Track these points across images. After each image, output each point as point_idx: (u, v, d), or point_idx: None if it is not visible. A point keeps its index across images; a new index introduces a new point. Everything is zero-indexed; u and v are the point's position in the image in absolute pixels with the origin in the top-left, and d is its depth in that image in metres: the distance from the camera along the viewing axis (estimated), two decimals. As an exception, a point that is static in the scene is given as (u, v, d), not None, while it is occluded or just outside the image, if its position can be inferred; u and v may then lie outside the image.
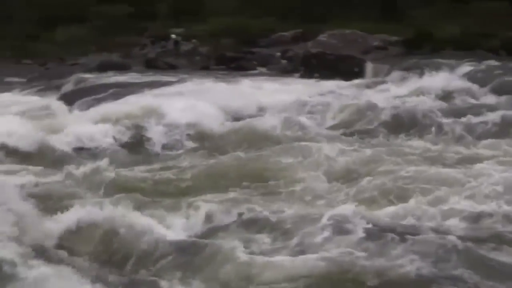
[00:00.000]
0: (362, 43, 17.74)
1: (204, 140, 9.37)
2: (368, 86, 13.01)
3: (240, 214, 5.91)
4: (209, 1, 26.40)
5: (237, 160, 7.96)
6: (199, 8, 25.57)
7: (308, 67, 16.61)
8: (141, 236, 5.37)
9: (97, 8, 25.09)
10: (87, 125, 9.66)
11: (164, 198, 6.71)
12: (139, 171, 7.69)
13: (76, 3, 24.83)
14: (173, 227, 5.78)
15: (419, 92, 11.66)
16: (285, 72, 17.36)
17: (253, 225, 5.68)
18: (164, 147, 9.23)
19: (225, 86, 12.53)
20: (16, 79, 16.64)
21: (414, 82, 12.56)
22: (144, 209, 6.10)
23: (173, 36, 21.72)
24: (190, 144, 9.29)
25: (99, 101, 11.35)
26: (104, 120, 9.88)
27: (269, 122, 9.71)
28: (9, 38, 23.45)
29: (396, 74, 13.86)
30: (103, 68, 16.94)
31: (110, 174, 7.32)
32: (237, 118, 10.28)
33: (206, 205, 6.17)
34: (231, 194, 6.79)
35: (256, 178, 7.27)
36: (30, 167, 7.89)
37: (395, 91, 12.07)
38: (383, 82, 13.45)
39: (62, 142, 8.96)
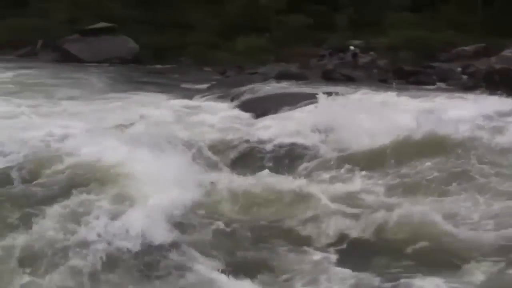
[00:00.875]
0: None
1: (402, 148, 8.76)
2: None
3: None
4: (389, 14, 25.84)
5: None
6: (378, 21, 25.10)
7: (491, 83, 15.48)
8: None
9: (277, 19, 25.42)
10: (266, 132, 9.50)
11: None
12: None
13: (256, 13, 25.34)
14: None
15: None
16: (466, 88, 16.29)
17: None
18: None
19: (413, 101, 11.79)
20: (196, 86, 17.07)
21: None
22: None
23: (352, 48, 21.34)
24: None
25: (276, 110, 11.21)
26: (281, 128, 9.67)
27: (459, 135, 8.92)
28: (191, 46, 24.47)
29: None
30: (281, 77, 16.92)
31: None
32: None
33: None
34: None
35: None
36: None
37: None
38: None
39: (243, 148, 8.86)
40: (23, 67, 20.39)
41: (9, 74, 17.87)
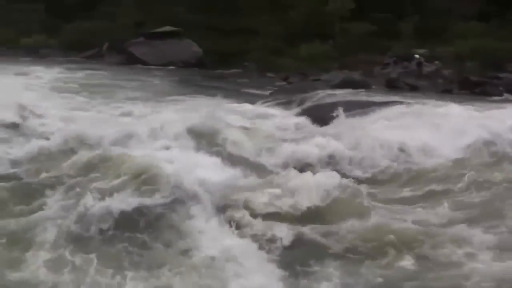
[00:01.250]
0: None
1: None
2: None
3: None
4: (455, 23, 25.30)
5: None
6: (444, 29, 24.61)
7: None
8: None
9: (341, 26, 25.25)
10: (328, 140, 9.38)
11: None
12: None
13: (320, 20, 25.23)
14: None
15: None
16: (536, 100, 15.88)
17: None
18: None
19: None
20: (259, 91, 17.09)
21: None
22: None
23: (417, 56, 20.99)
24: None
25: (340, 118, 11.08)
26: (343, 135, 9.55)
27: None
28: (255, 52, 24.52)
29: None
30: (344, 85, 16.72)
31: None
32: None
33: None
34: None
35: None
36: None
37: None
38: None
39: (305, 153, 8.79)
40: (89, 68, 20.89)
41: (76, 75, 18.32)
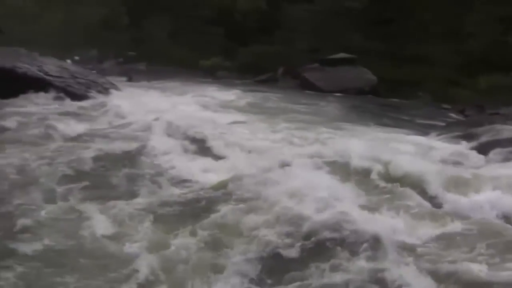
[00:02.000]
0: None
1: None
2: None
3: None
4: None
5: None
6: None
7: None
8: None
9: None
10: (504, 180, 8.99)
11: None
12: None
13: (502, 50, 24.22)
14: None
15: None
16: None
17: None
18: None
19: None
20: (432, 123, 16.78)
21: None
22: None
23: None
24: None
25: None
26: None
27: None
28: (429, 82, 24.07)
29: None
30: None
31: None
32: None
33: None
34: None
35: None
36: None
37: None
38: None
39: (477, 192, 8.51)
40: (263, 91, 21.69)
41: (249, 98, 19.10)
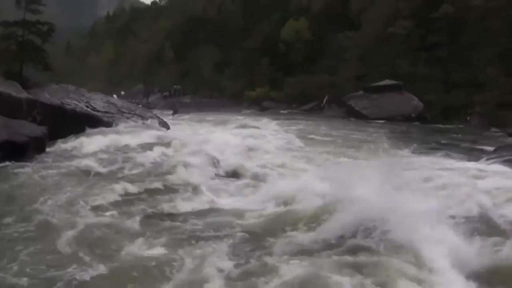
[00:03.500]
0: None
1: None
2: None
3: None
4: None
5: None
6: None
7: None
8: None
9: None
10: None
11: None
12: None
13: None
14: None
15: None
16: None
17: None
18: None
19: None
20: (482, 147, 16.43)
21: None
22: None
23: None
24: None
25: None
26: None
27: None
28: (478, 105, 23.70)
29: None
30: None
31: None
32: None
33: None
34: None
35: None
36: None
37: None
38: None
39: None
40: (308, 120, 21.66)
41: (296, 126, 19.04)
